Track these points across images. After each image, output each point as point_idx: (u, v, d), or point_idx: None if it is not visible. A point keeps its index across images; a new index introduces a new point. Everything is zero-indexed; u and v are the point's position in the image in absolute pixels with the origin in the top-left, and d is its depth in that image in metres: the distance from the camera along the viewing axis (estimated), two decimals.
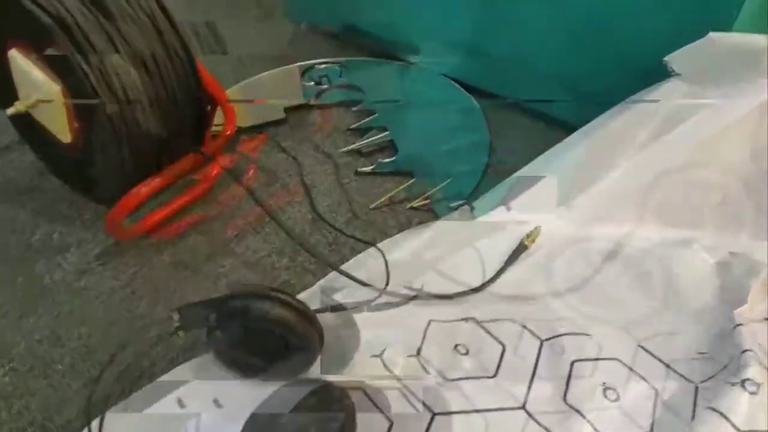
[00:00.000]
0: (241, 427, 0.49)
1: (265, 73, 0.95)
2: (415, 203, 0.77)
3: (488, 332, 0.61)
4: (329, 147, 0.86)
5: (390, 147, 0.86)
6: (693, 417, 0.53)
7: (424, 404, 0.54)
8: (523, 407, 0.54)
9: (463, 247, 0.69)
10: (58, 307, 0.66)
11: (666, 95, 0.72)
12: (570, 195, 0.72)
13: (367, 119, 0.89)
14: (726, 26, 0.69)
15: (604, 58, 0.78)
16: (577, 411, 0.54)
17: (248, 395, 0.53)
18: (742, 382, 0.52)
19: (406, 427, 0.53)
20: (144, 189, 0.68)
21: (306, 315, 0.55)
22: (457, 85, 0.94)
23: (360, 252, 0.70)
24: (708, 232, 0.71)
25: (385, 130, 0.87)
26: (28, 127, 0.74)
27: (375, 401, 0.54)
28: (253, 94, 0.91)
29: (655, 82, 0.73)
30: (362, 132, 0.87)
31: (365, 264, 0.68)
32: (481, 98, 0.92)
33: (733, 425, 0.49)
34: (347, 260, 0.69)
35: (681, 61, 0.71)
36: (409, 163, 0.82)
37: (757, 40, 0.69)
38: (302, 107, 0.91)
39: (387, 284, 0.63)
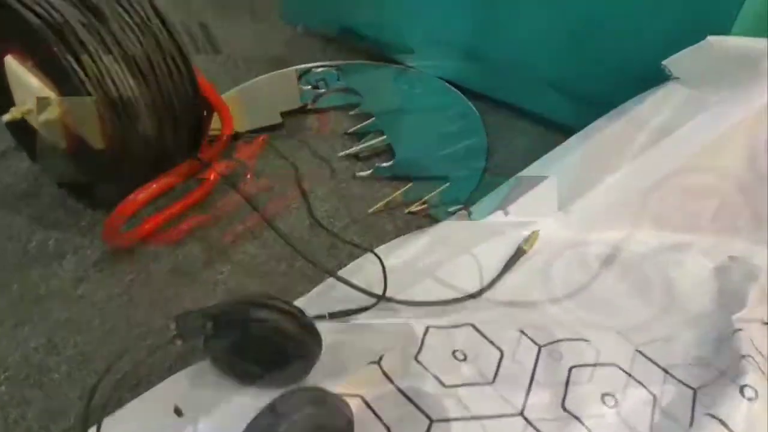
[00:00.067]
0: None
1: (262, 77, 0.95)
2: (413, 208, 0.77)
3: (486, 338, 0.61)
4: (327, 151, 0.85)
5: (388, 151, 0.85)
6: (691, 423, 0.53)
7: (422, 411, 0.54)
8: (522, 414, 0.54)
9: (461, 252, 0.69)
10: (54, 315, 0.65)
11: (664, 99, 0.72)
12: (568, 199, 0.72)
13: (364, 123, 0.89)
14: (724, 30, 0.69)
15: (602, 61, 0.78)
16: (576, 418, 0.54)
17: (246, 403, 0.53)
18: (741, 389, 0.52)
19: None
20: (141, 195, 0.68)
21: (304, 323, 0.54)
22: (454, 88, 0.94)
23: (358, 257, 0.70)
24: (706, 236, 0.71)
25: (383, 134, 0.87)
26: (24, 133, 0.74)
27: (373, 409, 0.54)
28: (250, 98, 0.91)
29: (653, 86, 0.73)
30: (360, 136, 0.87)
31: (363, 269, 0.68)
32: (478, 102, 0.92)
33: None
34: (345, 265, 0.69)
35: (679, 64, 0.71)
36: (407, 167, 0.82)
37: (756, 43, 0.69)
38: (299, 111, 0.91)
39: (385, 291, 0.62)
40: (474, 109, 0.91)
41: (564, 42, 0.81)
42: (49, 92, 0.65)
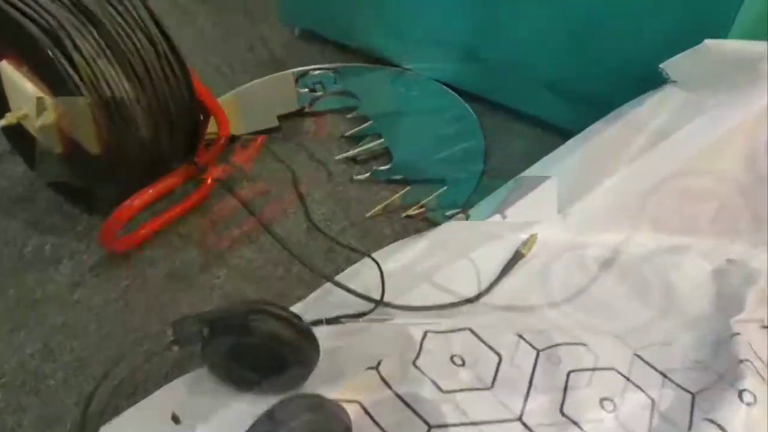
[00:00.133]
0: None
1: (259, 80, 0.94)
2: (411, 212, 0.77)
3: (484, 343, 0.60)
4: (324, 154, 0.85)
5: (385, 154, 0.85)
6: (690, 428, 0.53)
7: (420, 417, 0.54)
8: (520, 419, 0.54)
9: (459, 257, 0.69)
10: (50, 320, 0.65)
11: (662, 102, 0.72)
12: (566, 202, 0.72)
13: (362, 126, 0.88)
14: (722, 33, 0.69)
15: (599, 63, 0.78)
16: (575, 422, 0.53)
17: (243, 411, 0.53)
18: (740, 393, 0.51)
19: None
20: (137, 201, 0.68)
21: (301, 329, 0.54)
22: (452, 91, 0.94)
23: (356, 261, 0.70)
24: (704, 239, 0.71)
25: (380, 137, 0.86)
26: (19, 137, 0.73)
27: (371, 415, 0.54)
28: (247, 101, 0.91)
29: (651, 89, 0.73)
30: (357, 139, 0.87)
31: (361, 273, 0.68)
32: (475, 104, 0.92)
33: None
34: (343, 269, 0.69)
35: (677, 68, 0.71)
36: (405, 170, 0.82)
37: (753, 47, 0.69)
38: (296, 114, 0.91)
39: (383, 296, 0.62)
40: (471, 111, 0.91)
41: (562, 44, 0.80)
42: (43, 96, 0.65)
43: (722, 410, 0.51)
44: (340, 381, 0.56)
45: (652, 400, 0.55)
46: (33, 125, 0.69)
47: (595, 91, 0.78)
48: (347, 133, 0.88)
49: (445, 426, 0.53)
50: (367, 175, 0.82)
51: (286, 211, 0.77)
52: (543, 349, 0.60)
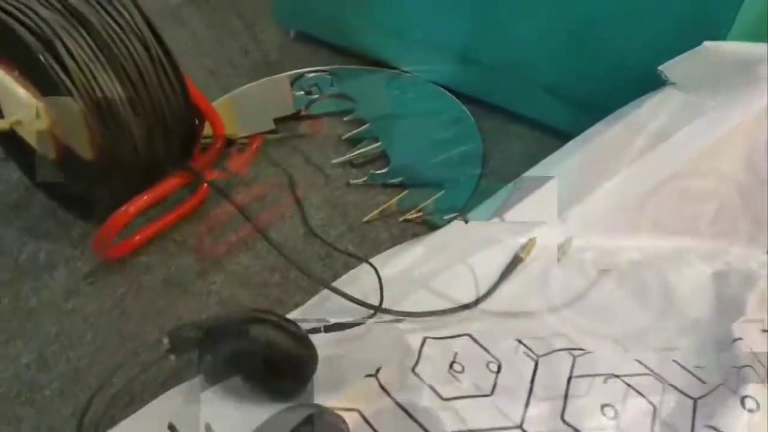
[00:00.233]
0: None
1: (254, 83, 0.94)
2: (409, 216, 0.76)
3: (484, 349, 0.60)
4: (320, 158, 0.85)
5: (382, 157, 0.85)
6: None
7: (420, 425, 0.53)
8: (520, 427, 0.54)
9: (457, 261, 0.68)
10: (45, 329, 0.64)
11: (661, 104, 0.71)
12: (565, 205, 0.71)
13: (358, 129, 0.88)
14: (721, 35, 0.68)
15: (598, 66, 0.78)
16: (576, 430, 0.53)
17: (241, 420, 0.52)
18: (742, 400, 0.51)
19: None
20: (132, 207, 0.67)
21: (298, 337, 0.54)
22: (449, 93, 0.93)
23: (353, 266, 0.69)
24: (704, 241, 0.71)
25: (377, 140, 0.86)
26: (12, 143, 0.72)
27: (371, 423, 0.53)
28: (242, 104, 0.90)
29: (650, 91, 0.72)
30: (354, 142, 0.86)
31: (359, 279, 0.67)
32: (473, 106, 0.91)
33: None
34: (340, 275, 0.68)
35: (676, 70, 0.71)
36: (402, 174, 0.82)
37: (752, 48, 0.69)
38: (292, 118, 0.90)
39: (381, 302, 0.62)
40: (469, 114, 0.90)
41: (560, 46, 0.80)
42: (37, 102, 0.64)
43: (724, 417, 0.51)
44: (339, 389, 0.56)
45: (654, 407, 0.55)
46: (26, 131, 0.68)
47: (594, 93, 0.78)
48: (344, 137, 0.87)
49: None
50: (364, 179, 0.81)
51: (283, 215, 0.77)
52: (543, 355, 0.59)
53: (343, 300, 0.62)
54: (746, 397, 0.51)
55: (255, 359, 0.53)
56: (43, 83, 0.63)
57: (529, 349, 0.60)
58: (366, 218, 0.76)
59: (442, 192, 0.79)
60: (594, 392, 0.56)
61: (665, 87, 0.72)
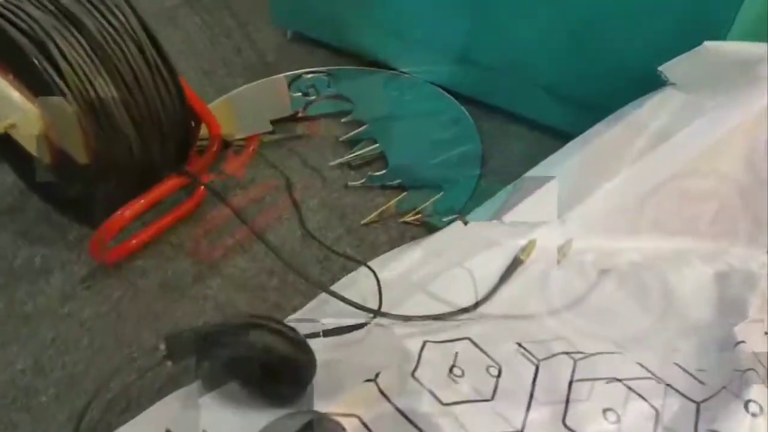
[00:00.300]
0: None
1: (251, 84, 0.93)
2: (407, 218, 0.76)
3: (484, 352, 0.59)
4: (318, 160, 0.84)
5: (380, 159, 0.84)
6: None
7: (420, 431, 0.53)
8: None
9: (457, 264, 0.67)
10: (41, 334, 0.64)
11: (661, 104, 0.71)
12: (566, 206, 0.71)
13: (356, 131, 0.87)
14: (721, 34, 0.68)
15: (598, 66, 0.77)
16: None
17: (239, 426, 0.52)
18: (745, 404, 0.50)
19: None
20: (128, 211, 0.66)
21: (296, 342, 0.53)
22: (448, 94, 0.93)
23: (352, 269, 0.69)
24: (704, 242, 0.70)
25: (375, 141, 0.85)
26: (7, 147, 0.72)
27: (370, 429, 0.53)
28: (239, 106, 0.90)
29: (650, 91, 0.72)
30: (352, 144, 0.86)
31: (357, 282, 0.67)
32: (472, 107, 0.91)
33: None
34: (339, 278, 0.68)
35: (676, 70, 0.70)
36: (400, 175, 0.81)
37: (752, 48, 0.68)
38: (290, 119, 0.89)
39: (380, 306, 0.61)
40: (468, 114, 0.90)
41: (560, 46, 0.79)
42: (31, 106, 0.63)
43: (727, 421, 0.50)
44: (338, 394, 0.55)
45: (656, 411, 0.54)
46: (21, 134, 0.67)
47: (594, 94, 0.77)
48: (342, 138, 0.87)
49: None
50: (362, 180, 0.81)
51: (281, 218, 0.76)
52: (543, 359, 0.59)
53: (341, 304, 0.62)
54: (750, 401, 0.51)
55: (253, 365, 0.53)
56: (37, 86, 0.62)
57: (530, 353, 0.59)
58: (364, 221, 0.76)
59: (441, 193, 0.78)
60: (595, 396, 0.55)
61: (665, 87, 0.71)
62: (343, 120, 0.89)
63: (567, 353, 0.59)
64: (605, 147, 0.72)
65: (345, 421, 0.52)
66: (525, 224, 0.70)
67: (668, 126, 0.70)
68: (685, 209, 0.70)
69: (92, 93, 0.61)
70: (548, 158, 0.75)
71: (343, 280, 0.67)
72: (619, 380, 0.57)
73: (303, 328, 0.57)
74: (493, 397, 0.55)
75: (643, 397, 0.55)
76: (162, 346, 0.53)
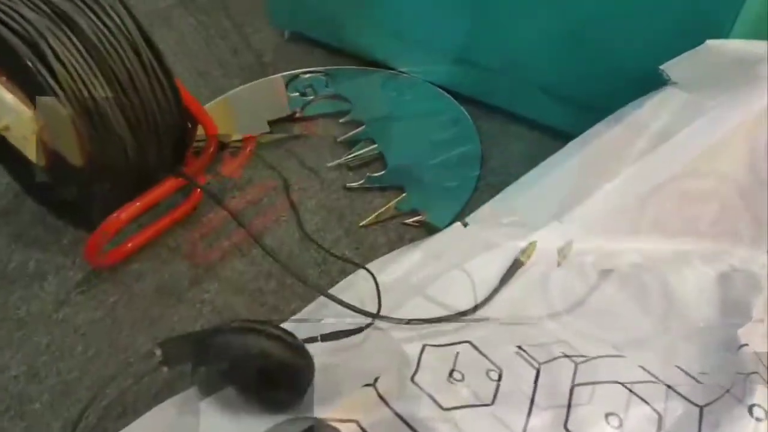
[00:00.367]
0: None
1: (248, 84, 0.92)
2: (406, 220, 0.75)
3: (484, 356, 0.59)
4: (316, 161, 0.83)
5: (379, 160, 0.83)
6: None
7: None
8: None
9: (456, 266, 0.67)
10: (35, 340, 0.63)
11: (662, 104, 0.70)
12: (566, 208, 0.70)
13: (354, 131, 0.86)
14: (723, 34, 0.67)
15: (599, 65, 0.76)
16: None
17: None
18: (750, 408, 0.50)
19: None
20: (124, 214, 0.66)
21: (294, 347, 0.52)
22: (447, 94, 0.92)
23: (350, 271, 0.68)
24: (705, 243, 0.70)
25: (374, 142, 0.84)
26: (1, 148, 0.71)
27: None
28: (236, 106, 0.89)
29: (651, 91, 0.71)
30: (350, 144, 0.85)
31: (356, 285, 0.66)
32: (471, 107, 0.90)
33: None
34: (337, 281, 0.67)
35: (677, 69, 0.69)
36: (399, 176, 0.80)
37: (755, 46, 0.67)
38: (287, 120, 0.88)
39: (379, 309, 0.60)
40: (467, 114, 0.89)
41: (560, 46, 0.78)
42: (24, 108, 0.63)
43: (731, 426, 0.50)
44: (336, 399, 0.54)
45: (659, 415, 0.53)
46: (15, 136, 0.67)
47: (595, 94, 0.76)
48: (340, 139, 0.86)
49: None
50: (361, 182, 0.80)
51: (278, 220, 0.75)
52: (544, 363, 0.58)
53: (340, 307, 0.61)
54: (754, 405, 0.50)
55: (250, 370, 0.52)
56: (30, 88, 0.61)
57: (531, 356, 0.59)
58: (363, 222, 0.75)
59: (441, 194, 0.77)
60: (597, 400, 0.55)
61: (666, 86, 0.70)
62: (341, 120, 0.88)
63: (568, 356, 0.58)
64: (605, 147, 0.71)
65: (344, 427, 0.51)
66: (525, 226, 0.70)
67: (669, 126, 0.69)
68: (685, 210, 0.70)
69: (86, 94, 0.60)
70: (548, 159, 0.74)
71: (342, 283, 0.67)
72: (621, 384, 0.56)
73: (301, 332, 0.56)
74: (493, 402, 0.55)
75: (645, 401, 0.55)
76: (158, 352, 0.52)
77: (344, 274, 0.68)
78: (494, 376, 0.57)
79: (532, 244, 0.68)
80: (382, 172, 0.81)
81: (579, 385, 0.56)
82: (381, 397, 0.55)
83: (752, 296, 0.62)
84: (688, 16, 0.68)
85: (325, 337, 0.57)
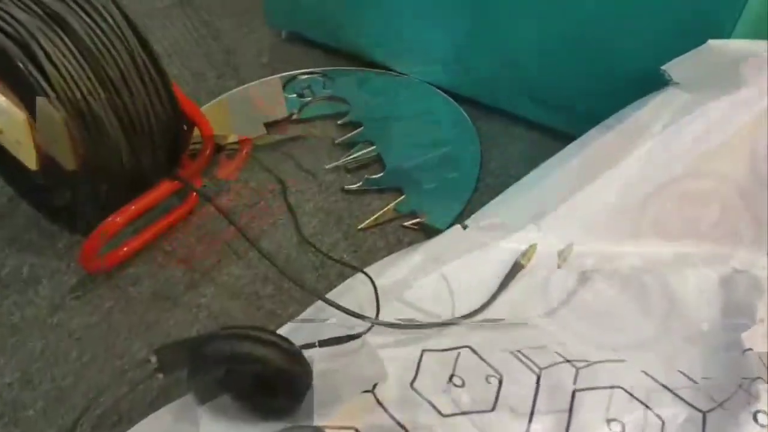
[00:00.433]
0: None
1: (245, 86, 0.91)
2: (405, 222, 0.74)
3: (485, 361, 0.58)
4: (313, 163, 0.82)
5: (377, 162, 0.82)
6: None
7: None
8: None
9: (455, 270, 0.66)
10: (29, 346, 0.62)
11: (663, 104, 0.69)
12: (565, 210, 0.69)
13: (352, 133, 0.85)
14: (725, 34, 0.66)
15: (599, 67, 0.76)
16: None
17: None
18: (755, 415, 0.49)
19: None
20: (119, 218, 0.65)
21: (291, 354, 0.51)
22: (446, 95, 0.91)
23: (348, 275, 0.67)
24: (707, 245, 0.69)
25: (372, 144, 0.83)
26: None
27: None
28: (232, 108, 0.88)
29: (652, 91, 0.70)
30: (348, 146, 0.84)
31: (354, 289, 0.65)
32: (470, 108, 0.89)
33: None
34: (335, 285, 0.66)
35: (679, 69, 0.69)
36: (398, 178, 0.79)
37: (757, 46, 0.66)
38: (284, 121, 0.87)
39: (378, 314, 0.60)
40: (466, 115, 0.88)
41: (560, 46, 0.77)
42: (16, 110, 0.62)
43: None
44: (334, 406, 0.54)
45: (662, 421, 0.53)
46: (7, 140, 0.66)
47: (595, 94, 0.75)
48: (337, 141, 0.85)
49: None
50: (359, 184, 0.79)
51: (275, 223, 0.74)
52: (546, 368, 0.57)
53: (338, 311, 0.60)
54: (758, 411, 0.49)
55: (246, 377, 0.52)
56: (22, 90, 0.61)
57: (531, 361, 0.58)
58: (361, 225, 0.74)
59: (440, 197, 0.77)
60: (599, 406, 0.54)
61: (668, 87, 0.70)
62: (339, 122, 0.88)
63: (569, 361, 0.57)
64: (606, 149, 0.71)
65: None
66: (525, 228, 0.69)
67: (670, 127, 0.69)
68: (687, 211, 0.69)
69: (79, 96, 0.59)
70: (548, 160, 0.73)
71: (340, 287, 0.66)
72: (623, 389, 0.55)
73: (299, 338, 0.55)
74: (493, 408, 0.54)
75: (647, 406, 0.54)
76: (153, 359, 0.52)
77: (342, 277, 0.67)
78: (494, 381, 0.56)
79: (533, 247, 0.67)
80: (381, 174, 0.80)
81: (580, 390, 0.55)
82: (380, 404, 0.54)
83: (755, 298, 0.62)
84: (690, 16, 0.67)
85: (323, 343, 0.56)
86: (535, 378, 0.56)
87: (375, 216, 0.75)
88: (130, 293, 0.67)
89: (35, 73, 0.57)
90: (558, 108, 0.82)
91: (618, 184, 0.69)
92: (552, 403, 0.54)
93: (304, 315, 0.63)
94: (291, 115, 0.88)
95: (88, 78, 0.60)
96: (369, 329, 0.58)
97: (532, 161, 0.74)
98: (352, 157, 0.82)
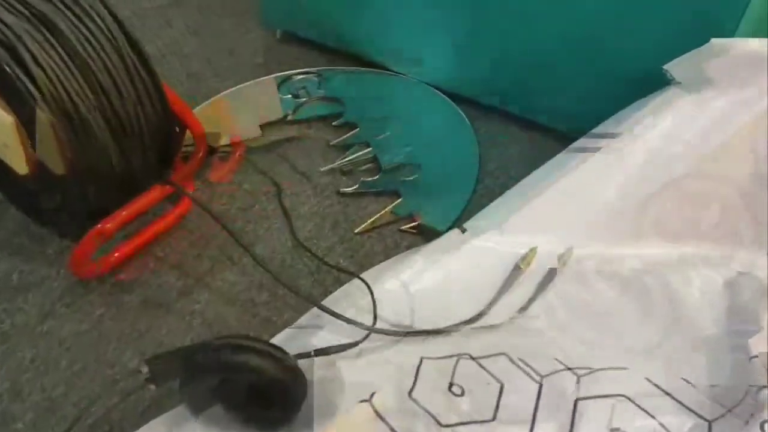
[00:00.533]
0: None
1: (239, 86, 0.90)
2: (403, 226, 0.73)
3: (484, 369, 0.57)
4: (309, 166, 0.81)
5: (374, 164, 0.81)
6: None
7: None
8: None
9: (454, 275, 0.65)
10: (18, 355, 0.60)
11: (665, 105, 0.68)
12: (566, 212, 0.68)
13: (348, 134, 0.84)
14: (728, 32, 0.65)
15: (601, 65, 0.75)
16: None
17: None
18: (761, 425, 0.48)
19: None
20: (110, 224, 0.63)
21: (285, 364, 0.50)
22: (443, 95, 0.89)
23: (345, 280, 0.66)
24: (708, 246, 0.68)
25: (368, 145, 0.82)
26: None
27: None
28: (226, 109, 0.86)
29: (654, 91, 0.69)
30: (344, 148, 0.83)
31: (351, 296, 0.64)
32: (468, 108, 0.87)
33: None
34: (332, 291, 0.65)
35: (681, 68, 0.68)
36: (395, 180, 0.78)
37: (760, 45, 0.65)
38: (279, 122, 0.86)
39: (375, 321, 0.58)
40: (464, 116, 0.87)
41: (560, 45, 0.76)
42: (3, 114, 0.60)
43: None
44: (332, 416, 0.53)
45: (666, 430, 0.52)
46: None
47: (597, 94, 0.74)
48: (333, 142, 0.83)
49: None
50: (355, 187, 0.77)
51: (270, 227, 0.73)
52: (547, 375, 0.56)
53: (334, 318, 0.59)
54: (766, 422, 0.48)
55: (240, 388, 0.50)
56: (9, 93, 0.59)
57: (532, 369, 0.57)
58: (358, 229, 0.73)
59: (438, 198, 0.75)
60: (602, 415, 0.53)
61: (670, 87, 0.69)
62: (334, 123, 0.86)
63: (570, 369, 0.56)
64: (607, 149, 0.70)
65: None
66: (525, 231, 0.68)
67: (671, 127, 0.68)
68: (687, 212, 0.69)
69: (66, 99, 0.58)
70: (549, 162, 0.72)
71: (336, 293, 0.65)
72: (626, 397, 0.54)
73: (294, 346, 0.54)
74: (494, 417, 0.53)
75: (651, 415, 0.53)
76: (144, 369, 0.50)
77: (339, 283, 0.66)
78: (495, 389, 0.55)
79: (533, 251, 0.66)
80: (377, 177, 0.79)
81: (582, 398, 0.54)
82: (378, 414, 0.53)
83: (760, 303, 0.61)
84: (693, 15, 0.66)
85: (319, 352, 0.55)
86: (536, 386, 0.55)
87: (372, 219, 0.73)
88: (121, 301, 0.65)
89: (22, 75, 0.56)
90: (558, 108, 0.81)
91: (619, 186, 0.68)
92: (553, 412, 0.53)
93: (299, 322, 0.61)
94: (286, 115, 0.86)
95: (76, 80, 0.58)
96: (366, 337, 0.57)
97: (531, 162, 0.73)
98: (347, 159, 0.81)
